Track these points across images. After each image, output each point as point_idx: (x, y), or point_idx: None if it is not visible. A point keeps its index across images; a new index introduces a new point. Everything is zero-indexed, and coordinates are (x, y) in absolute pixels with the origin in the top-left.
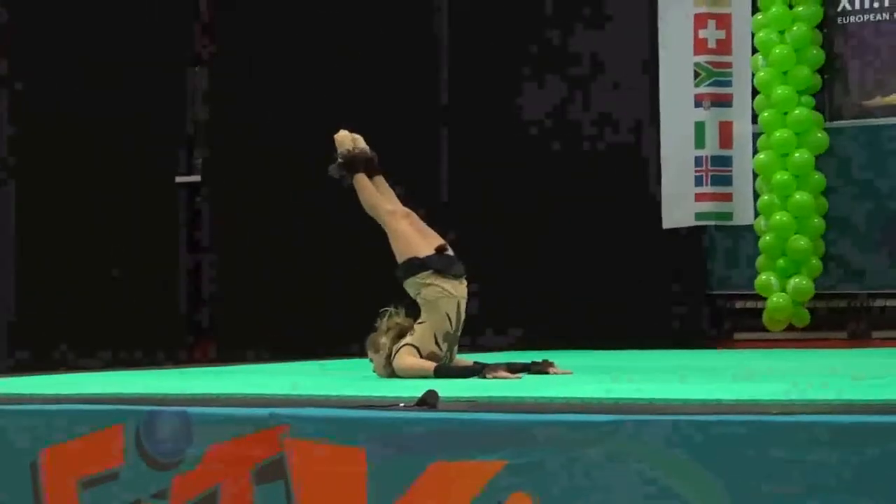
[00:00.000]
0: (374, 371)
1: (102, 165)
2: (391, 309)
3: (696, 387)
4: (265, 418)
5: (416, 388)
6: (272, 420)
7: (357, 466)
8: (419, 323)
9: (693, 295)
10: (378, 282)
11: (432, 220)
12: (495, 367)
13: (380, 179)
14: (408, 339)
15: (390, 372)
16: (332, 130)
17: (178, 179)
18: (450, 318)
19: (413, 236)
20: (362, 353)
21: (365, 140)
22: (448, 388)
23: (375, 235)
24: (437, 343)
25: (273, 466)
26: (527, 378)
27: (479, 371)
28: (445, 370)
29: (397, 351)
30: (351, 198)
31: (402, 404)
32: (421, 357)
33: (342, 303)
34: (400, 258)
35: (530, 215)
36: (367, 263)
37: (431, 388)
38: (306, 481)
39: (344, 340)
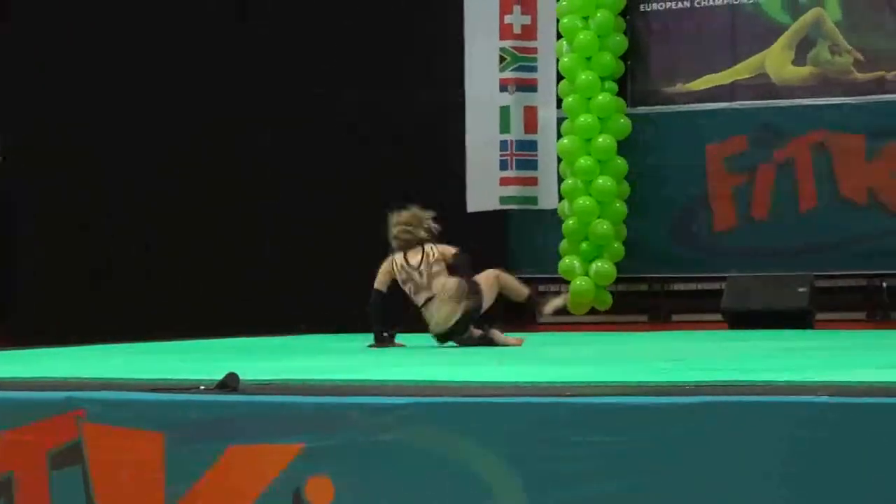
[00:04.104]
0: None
1: None
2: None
3: (491, 370)
4: (61, 402)
5: (220, 371)
6: (68, 404)
7: (154, 450)
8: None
9: None
10: (186, 263)
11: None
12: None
13: None
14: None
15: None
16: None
17: None
18: None
19: None
20: (169, 337)
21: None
22: (249, 371)
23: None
24: None
25: (69, 452)
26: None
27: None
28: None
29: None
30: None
31: (201, 387)
32: None
33: (147, 284)
34: None
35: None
36: (172, 243)
37: (232, 371)
38: (103, 466)
39: (148, 323)
